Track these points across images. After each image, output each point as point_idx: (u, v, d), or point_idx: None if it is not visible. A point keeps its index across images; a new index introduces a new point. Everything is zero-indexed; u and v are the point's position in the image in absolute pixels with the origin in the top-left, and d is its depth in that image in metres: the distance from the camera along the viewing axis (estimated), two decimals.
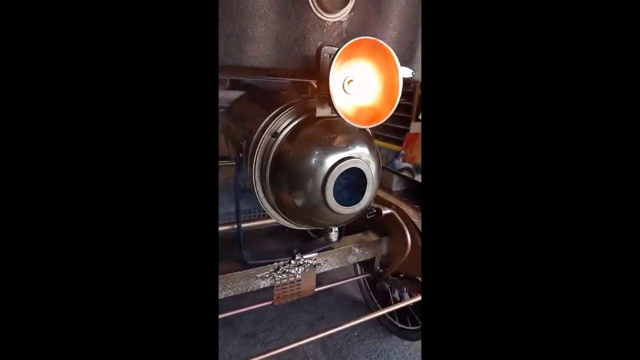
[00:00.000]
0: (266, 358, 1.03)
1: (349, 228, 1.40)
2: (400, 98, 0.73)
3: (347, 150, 0.78)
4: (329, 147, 0.78)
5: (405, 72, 0.99)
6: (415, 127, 1.55)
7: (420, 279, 1.48)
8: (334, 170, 0.75)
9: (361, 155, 0.79)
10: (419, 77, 1.01)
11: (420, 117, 1.66)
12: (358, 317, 1.30)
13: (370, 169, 0.81)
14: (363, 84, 0.73)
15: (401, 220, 1.35)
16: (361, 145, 0.82)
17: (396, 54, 0.93)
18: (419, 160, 1.53)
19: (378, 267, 1.61)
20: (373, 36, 0.85)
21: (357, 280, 1.92)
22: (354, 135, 0.81)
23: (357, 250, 1.43)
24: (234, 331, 1.58)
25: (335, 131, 0.80)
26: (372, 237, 1.50)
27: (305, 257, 1.28)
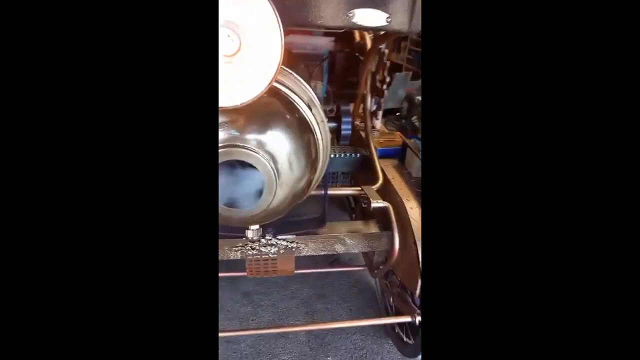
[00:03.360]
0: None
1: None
2: None
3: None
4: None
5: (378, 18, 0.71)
6: None
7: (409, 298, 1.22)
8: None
9: (248, 143, 0.61)
10: (397, 26, 0.72)
11: None
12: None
13: (268, 164, 0.62)
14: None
15: (393, 217, 1.10)
16: (258, 131, 0.63)
17: None
18: None
19: (379, 264, 1.40)
20: None
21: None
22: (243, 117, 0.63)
23: (348, 241, 1.25)
24: (235, 288, 1.65)
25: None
26: (372, 228, 1.28)
27: (279, 238, 1.19)
